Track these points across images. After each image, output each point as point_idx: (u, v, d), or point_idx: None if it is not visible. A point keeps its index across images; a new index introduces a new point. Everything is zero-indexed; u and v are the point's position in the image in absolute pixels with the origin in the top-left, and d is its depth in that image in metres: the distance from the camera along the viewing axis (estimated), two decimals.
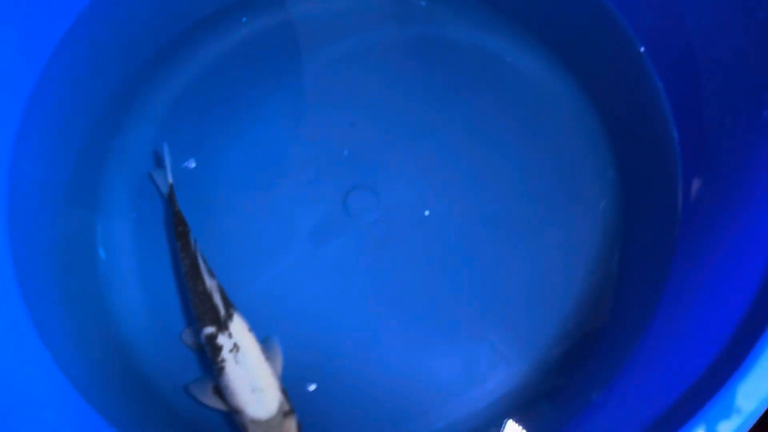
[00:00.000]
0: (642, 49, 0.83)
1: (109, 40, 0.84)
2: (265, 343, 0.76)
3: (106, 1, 0.81)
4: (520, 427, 0.76)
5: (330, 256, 0.83)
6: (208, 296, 0.74)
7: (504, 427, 0.77)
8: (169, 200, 0.82)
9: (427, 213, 0.85)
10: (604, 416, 0.69)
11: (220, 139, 0.88)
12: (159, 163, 0.85)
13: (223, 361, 0.71)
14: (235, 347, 0.72)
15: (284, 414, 0.70)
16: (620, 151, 0.86)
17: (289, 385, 0.74)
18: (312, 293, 0.82)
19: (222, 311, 0.73)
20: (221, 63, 0.90)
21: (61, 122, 0.81)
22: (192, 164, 0.86)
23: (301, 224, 0.84)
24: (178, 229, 0.80)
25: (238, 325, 0.74)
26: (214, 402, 0.74)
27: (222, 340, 0.72)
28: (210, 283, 0.75)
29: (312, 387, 0.78)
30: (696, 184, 0.76)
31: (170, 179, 0.83)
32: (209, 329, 0.73)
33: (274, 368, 0.74)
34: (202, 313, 0.74)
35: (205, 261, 0.77)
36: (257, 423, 0.69)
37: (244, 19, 0.91)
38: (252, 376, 0.70)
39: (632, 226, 0.83)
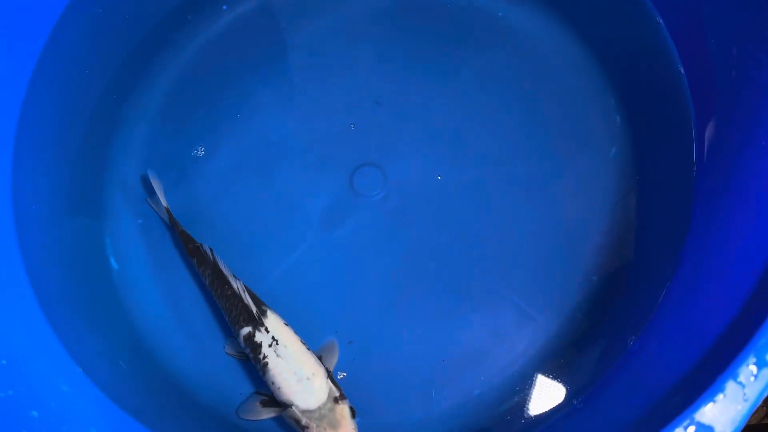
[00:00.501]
0: None
1: (93, 38, 0.82)
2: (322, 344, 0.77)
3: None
4: (558, 384, 0.76)
5: (344, 236, 0.83)
6: (237, 299, 0.73)
7: (541, 386, 0.77)
8: (171, 224, 0.81)
9: (439, 177, 0.84)
10: (644, 361, 0.68)
11: (220, 131, 0.86)
12: (150, 190, 0.84)
13: (264, 357, 0.71)
14: (274, 341, 0.71)
15: (335, 400, 0.69)
16: (626, 94, 0.85)
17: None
18: (332, 275, 0.82)
19: (254, 309, 0.72)
20: (211, 53, 0.89)
21: (55, 129, 0.79)
22: (201, 152, 0.85)
23: (311, 209, 0.84)
24: (188, 247, 0.79)
25: (273, 320, 0.73)
26: (266, 413, 0.73)
27: (260, 336, 0.72)
28: (236, 286, 0.74)
29: (341, 375, 0.78)
30: (708, 119, 0.75)
31: (165, 203, 0.82)
32: (245, 330, 0.72)
33: (326, 362, 0.74)
34: (235, 317, 0.73)
35: (225, 266, 0.76)
36: (309, 412, 0.68)
37: (224, 7, 0.89)
38: (296, 366, 0.70)
39: (647, 170, 0.82)
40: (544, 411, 0.75)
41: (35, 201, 0.76)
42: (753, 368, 0.46)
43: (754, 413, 1.00)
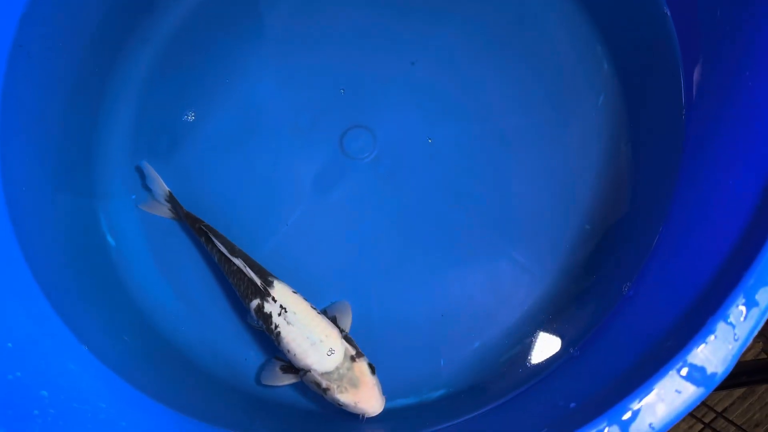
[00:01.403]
0: None
1: (70, 9, 0.79)
2: (333, 305, 0.78)
3: None
4: (556, 333, 0.78)
5: (339, 200, 0.83)
6: (242, 273, 0.74)
7: (539, 336, 0.78)
8: (174, 209, 0.81)
9: (430, 141, 0.84)
10: (638, 307, 0.69)
11: (207, 101, 0.85)
12: (144, 183, 0.83)
13: (276, 327, 0.71)
14: (283, 309, 0.72)
15: (352, 358, 0.70)
16: (612, 40, 0.84)
17: None
18: (328, 240, 0.82)
19: (258, 281, 0.73)
20: (196, 19, 0.87)
21: (38, 105, 0.78)
22: (191, 117, 0.85)
23: (303, 174, 0.83)
24: (195, 227, 0.79)
25: (279, 289, 0.73)
26: (287, 379, 0.73)
27: (268, 307, 0.72)
28: (238, 262, 0.74)
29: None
30: (696, 61, 0.75)
31: (167, 188, 0.81)
32: (255, 302, 0.73)
33: (341, 323, 0.74)
34: (243, 291, 0.74)
35: (226, 243, 0.76)
36: (327, 374, 0.69)
37: None
38: (307, 331, 0.70)
39: (637, 116, 0.82)
40: (542, 360, 0.77)
41: (26, 184, 0.76)
42: (742, 308, 0.47)
43: (749, 349, 1.03)
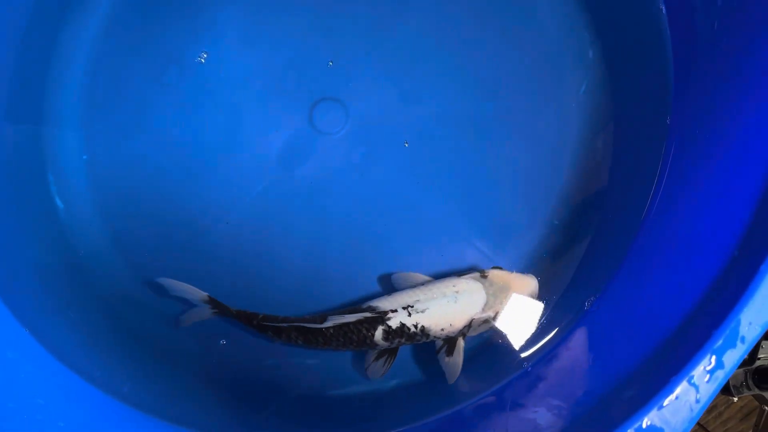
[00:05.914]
0: None
1: None
2: (395, 281, 0.77)
3: None
4: (513, 342, 0.77)
5: (305, 175, 0.79)
6: (342, 329, 0.71)
7: (496, 341, 0.77)
8: (221, 310, 0.75)
9: (406, 144, 0.80)
10: (597, 328, 0.69)
11: (174, 64, 0.79)
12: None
13: (417, 325, 0.70)
14: (408, 308, 0.70)
15: (483, 277, 0.72)
16: (602, 29, 0.79)
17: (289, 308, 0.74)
18: (292, 216, 0.79)
19: (367, 313, 0.70)
20: None
21: None
22: (203, 58, 0.79)
23: (269, 147, 0.79)
24: (254, 325, 0.73)
25: (385, 301, 0.72)
26: (459, 355, 0.72)
27: (395, 321, 0.70)
28: (331, 321, 0.71)
29: None
30: (688, 64, 0.71)
31: (203, 293, 0.74)
32: (378, 332, 0.70)
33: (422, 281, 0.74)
34: (358, 338, 0.71)
35: (299, 318, 0.72)
36: (486, 306, 0.70)
37: None
38: (441, 299, 0.70)
39: (619, 112, 0.78)
40: (495, 371, 0.75)
41: None
42: (708, 369, 0.46)
43: None
